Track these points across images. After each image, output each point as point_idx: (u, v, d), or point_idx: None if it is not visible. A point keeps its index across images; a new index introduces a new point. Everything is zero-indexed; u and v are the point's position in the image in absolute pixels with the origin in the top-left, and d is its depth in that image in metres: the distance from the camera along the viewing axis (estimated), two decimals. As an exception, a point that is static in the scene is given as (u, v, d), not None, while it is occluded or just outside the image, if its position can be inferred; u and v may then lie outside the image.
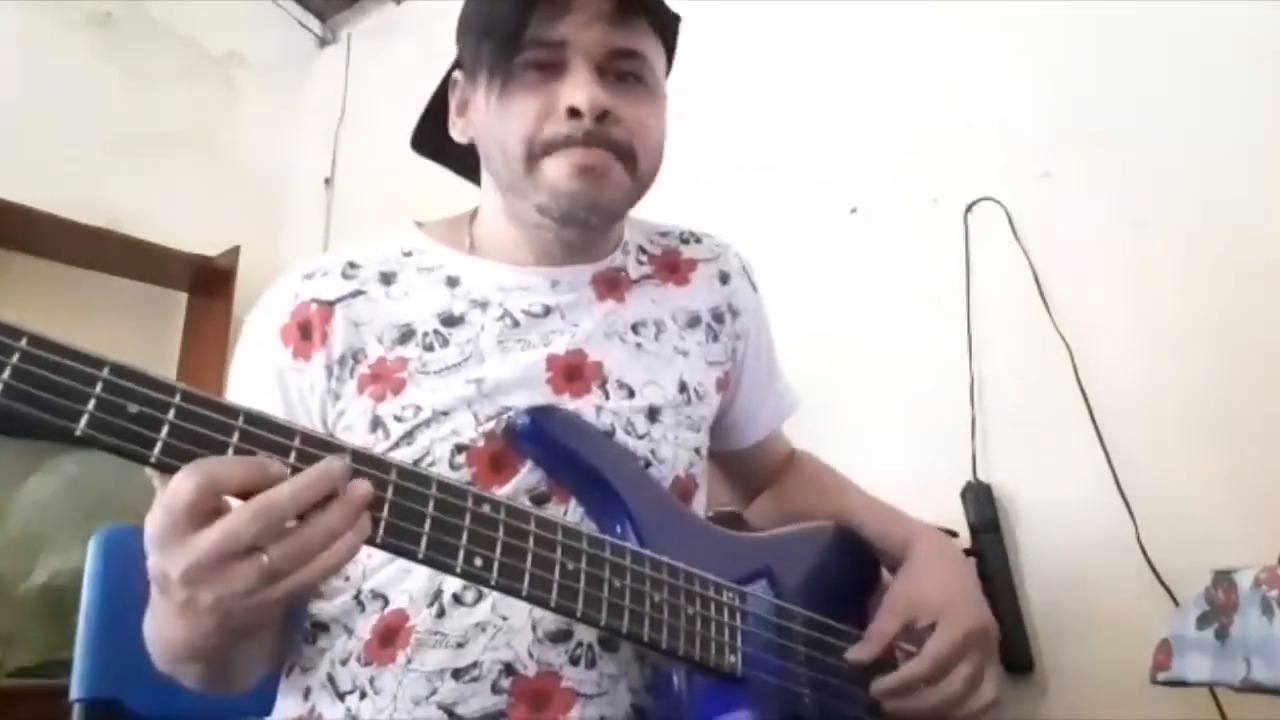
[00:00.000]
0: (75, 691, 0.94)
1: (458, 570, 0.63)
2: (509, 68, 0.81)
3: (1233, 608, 0.96)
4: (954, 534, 1.65)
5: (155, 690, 0.84)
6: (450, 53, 0.91)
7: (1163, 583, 1.38)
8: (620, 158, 0.82)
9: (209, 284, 2.71)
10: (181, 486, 0.54)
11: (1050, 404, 1.57)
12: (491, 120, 0.84)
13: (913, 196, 1.82)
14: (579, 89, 0.79)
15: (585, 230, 0.85)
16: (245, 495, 0.56)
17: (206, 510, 0.55)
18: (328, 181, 3.00)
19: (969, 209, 1.75)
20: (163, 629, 0.64)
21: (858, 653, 0.82)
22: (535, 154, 0.81)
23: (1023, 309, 1.63)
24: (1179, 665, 1.01)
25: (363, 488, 0.59)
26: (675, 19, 0.89)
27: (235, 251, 2.66)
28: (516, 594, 0.65)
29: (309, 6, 3.23)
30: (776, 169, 1.98)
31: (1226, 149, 1.50)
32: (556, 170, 0.81)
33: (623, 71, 0.82)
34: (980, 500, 1.57)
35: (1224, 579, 0.99)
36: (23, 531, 2.10)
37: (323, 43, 3.28)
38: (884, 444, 1.69)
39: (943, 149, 1.79)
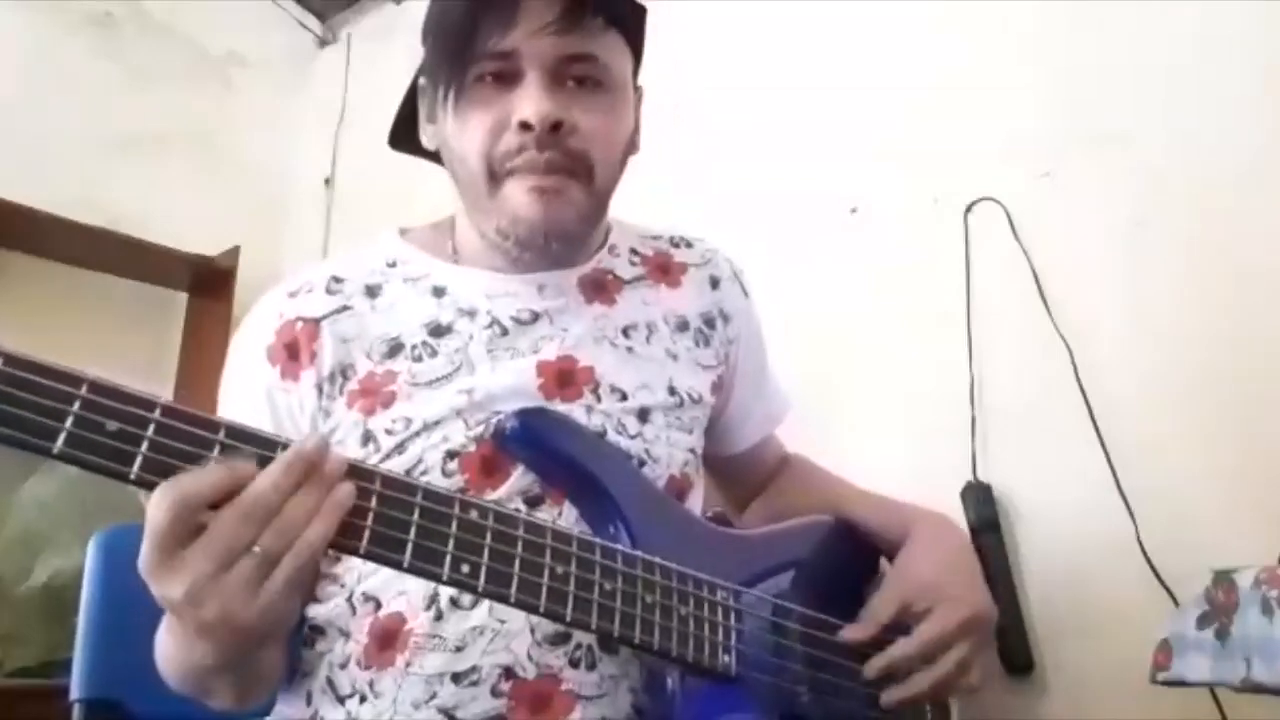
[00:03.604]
0: (75, 692, 0.93)
1: (444, 578, 0.63)
2: (463, 79, 0.80)
3: (1233, 608, 0.96)
4: (954, 534, 1.66)
5: (155, 690, 0.84)
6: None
7: (1163, 583, 1.38)
8: (577, 172, 0.81)
9: (209, 284, 2.71)
10: (158, 511, 0.54)
11: (1050, 404, 1.57)
12: (451, 132, 0.83)
13: (913, 196, 1.82)
14: (529, 101, 0.78)
15: (544, 252, 0.84)
16: (221, 501, 0.56)
17: (190, 527, 0.55)
18: (328, 181, 2.99)
19: (969, 209, 1.75)
20: (187, 653, 0.63)
21: (852, 633, 0.82)
22: (496, 174, 0.80)
23: (1023, 309, 1.63)
24: (1179, 665, 1.01)
25: (334, 460, 0.59)
26: (637, 10, 0.86)
27: (235, 251, 2.66)
28: (504, 600, 0.65)
29: (309, 6, 3.22)
30: (776, 168, 1.98)
31: (1226, 149, 1.49)
32: (516, 194, 0.80)
33: (579, 76, 0.80)
34: (980, 500, 1.57)
35: (1224, 579, 0.99)
36: (23, 531, 2.09)
37: (323, 43, 3.27)
38: (884, 444, 1.69)
39: (943, 149, 1.79)
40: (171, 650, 0.67)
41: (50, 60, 2.62)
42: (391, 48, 2.93)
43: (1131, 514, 1.44)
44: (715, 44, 2.09)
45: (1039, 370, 1.59)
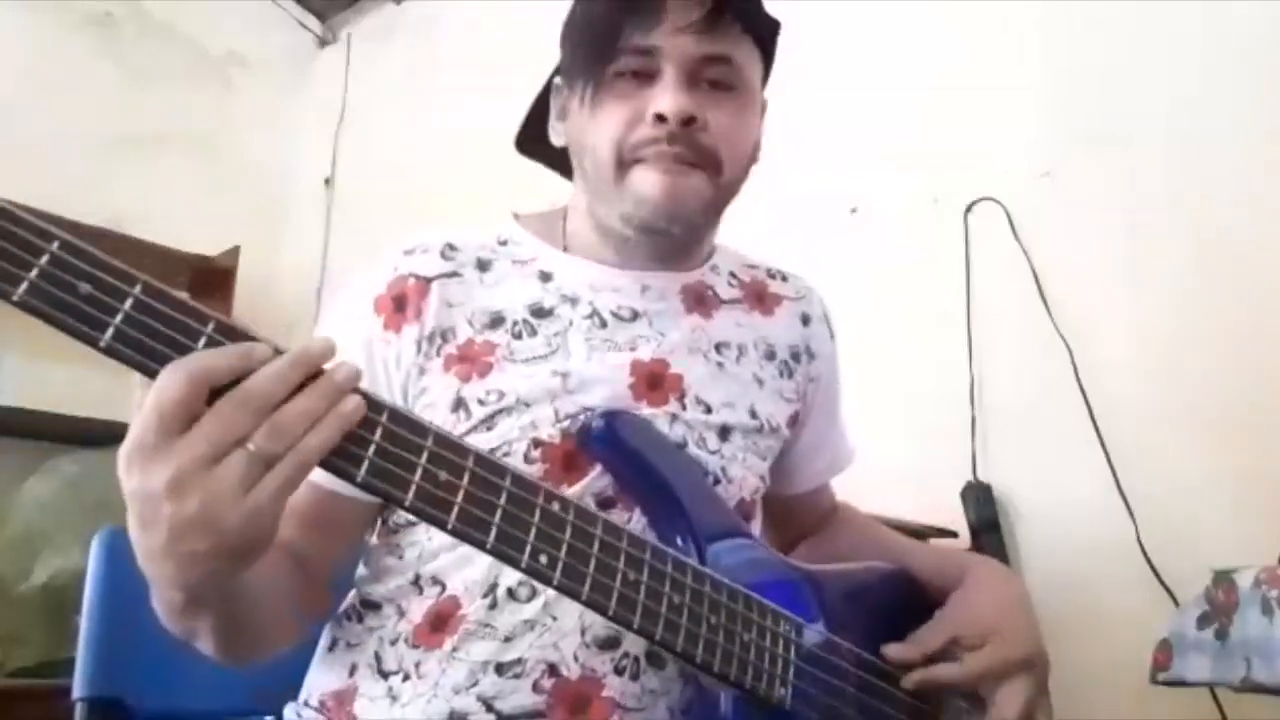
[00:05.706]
0: (78, 690, 0.94)
1: (522, 565, 0.62)
2: (602, 74, 0.83)
3: (1233, 608, 0.97)
4: (954, 534, 1.66)
5: (157, 689, 0.84)
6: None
7: (1163, 583, 1.38)
8: (704, 166, 0.83)
9: (209, 284, 2.71)
10: (170, 383, 0.52)
11: (1050, 404, 1.57)
12: (584, 125, 0.85)
13: (913, 196, 1.82)
14: (666, 95, 0.80)
15: (666, 239, 0.86)
16: (228, 387, 0.54)
17: (192, 413, 0.53)
18: (328, 181, 2.99)
19: (969, 209, 1.75)
20: (157, 578, 0.59)
21: (895, 652, 0.82)
22: (624, 161, 0.82)
23: (1023, 309, 1.63)
24: (1179, 665, 1.01)
25: (345, 369, 0.58)
26: (772, 24, 0.89)
27: (235, 251, 2.66)
28: (576, 596, 0.64)
29: (309, 6, 3.22)
30: (776, 169, 1.98)
31: (1226, 149, 1.50)
32: (643, 179, 0.82)
33: (713, 79, 0.83)
34: (980, 500, 1.58)
35: (1224, 579, 0.99)
36: (23, 531, 2.09)
37: (323, 43, 3.28)
38: (884, 444, 1.69)
39: (943, 149, 1.79)
40: (150, 578, 0.63)
41: (50, 60, 2.62)
42: (391, 48, 2.93)
43: (1132, 514, 1.44)
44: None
45: (1039, 370, 1.60)
